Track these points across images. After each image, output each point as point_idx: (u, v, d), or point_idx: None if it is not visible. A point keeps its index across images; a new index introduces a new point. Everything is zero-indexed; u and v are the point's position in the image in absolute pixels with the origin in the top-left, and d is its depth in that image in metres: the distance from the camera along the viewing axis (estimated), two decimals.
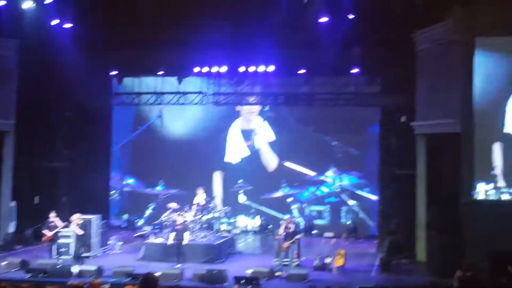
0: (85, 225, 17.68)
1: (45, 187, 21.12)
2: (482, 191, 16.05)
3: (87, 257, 17.28)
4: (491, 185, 16.00)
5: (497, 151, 16.03)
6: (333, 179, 23.52)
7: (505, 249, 14.83)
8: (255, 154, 23.89)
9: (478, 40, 16.01)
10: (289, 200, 23.76)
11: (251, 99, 22.45)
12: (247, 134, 24.02)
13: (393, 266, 16.95)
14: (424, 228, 17.64)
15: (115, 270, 15.37)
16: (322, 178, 23.56)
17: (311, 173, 23.62)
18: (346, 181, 23.44)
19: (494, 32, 15.78)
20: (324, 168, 23.53)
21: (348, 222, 23.01)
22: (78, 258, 16.50)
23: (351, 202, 23.42)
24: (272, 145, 23.78)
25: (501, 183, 15.94)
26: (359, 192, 23.35)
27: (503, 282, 13.63)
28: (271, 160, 23.83)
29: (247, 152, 23.91)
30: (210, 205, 19.23)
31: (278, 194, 23.86)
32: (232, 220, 23.19)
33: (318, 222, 23.54)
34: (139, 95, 22.27)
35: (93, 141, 22.26)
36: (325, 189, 23.74)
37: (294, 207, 23.72)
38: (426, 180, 17.82)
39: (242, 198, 23.77)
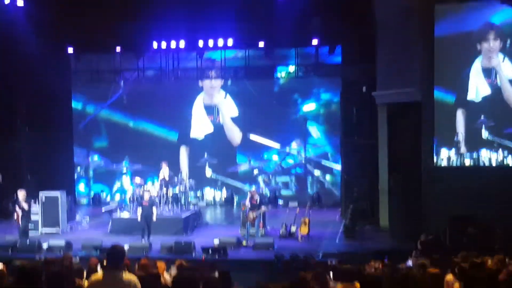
0: (51, 202, 17.76)
1: (9, 166, 20.91)
2: (445, 157, 16.45)
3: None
4: (453, 151, 16.38)
5: (460, 118, 16.39)
6: (298, 150, 23.76)
7: (466, 212, 15.27)
8: (219, 129, 23.95)
9: (438, 7, 16.21)
10: (255, 172, 23.96)
11: (211, 73, 22.41)
12: (210, 109, 24.03)
13: (357, 232, 17.33)
14: (386, 195, 17.99)
15: (83, 244, 15.47)
16: (287, 149, 23.78)
17: (276, 145, 23.82)
18: (311, 152, 23.70)
19: None
20: (289, 140, 23.75)
21: (313, 192, 23.34)
22: (25, 233, 16.30)
23: (317, 172, 23.72)
24: (235, 119, 23.84)
25: (463, 149, 16.32)
26: (324, 162, 23.65)
27: (464, 242, 14.11)
28: (235, 135, 23.90)
29: (210, 128, 23.95)
30: (176, 179, 19.31)
31: (244, 167, 24.04)
32: (198, 194, 23.44)
33: (284, 192, 23.83)
34: (99, 72, 22.03)
35: (54, 119, 22.05)
36: (290, 161, 23.98)
37: (260, 179, 23.93)
38: (387, 148, 18.09)
39: (208, 172, 23.90)
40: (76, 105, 24.28)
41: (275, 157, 23.89)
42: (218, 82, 23.70)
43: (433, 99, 16.35)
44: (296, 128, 23.62)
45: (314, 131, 23.56)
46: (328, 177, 23.63)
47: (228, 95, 23.81)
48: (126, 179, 24.09)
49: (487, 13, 16.00)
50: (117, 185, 24.45)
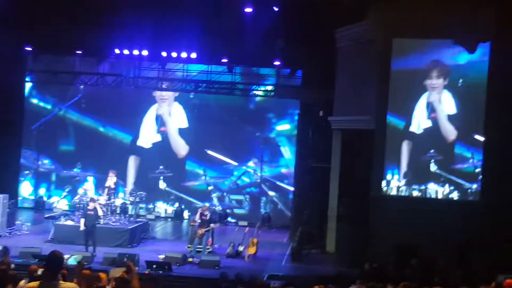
0: None
1: None
2: (395, 187, 16.68)
3: None
4: (403, 182, 16.64)
5: (404, 149, 16.71)
6: (254, 169, 23.75)
7: (410, 242, 15.47)
8: (167, 140, 23.72)
9: (396, 42, 16.58)
10: (209, 188, 23.79)
11: (165, 85, 22.33)
12: (158, 120, 23.81)
13: (303, 255, 17.35)
14: (335, 220, 18.11)
15: (21, 251, 15.01)
16: (243, 168, 23.74)
17: (233, 162, 23.76)
18: (266, 172, 23.70)
19: (410, 34, 16.33)
20: (246, 158, 23.72)
21: (264, 212, 23.31)
22: None
23: (271, 193, 23.72)
24: (187, 132, 23.57)
25: (410, 180, 16.60)
26: (278, 183, 23.68)
27: (406, 274, 14.24)
28: (179, 147, 23.66)
29: (158, 138, 23.72)
30: (125, 189, 19.04)
31: (199, 182, 23.84)
32: (150, 206, 23.09)
33: (237, 211, 23.69)
34: (56, 74, 21.61)
35: (4, 120, 21.47)
36: (246, 179, 23.94)
37: (214, 195, 23.77)
38: (339, 173, 18.27)
39: (162, 184, 23.61)
40: (31, 104, 23.69)
41: (231, 175, 23.71)
42: (170, 94, 23.51)
43: (385, 128, 16.63)
44: (254, 147, 23.59)
45: (286, 151, 23.53)
46: (281, 198, 23.63)
47: (181, 108, 23.58)
48: (75, 186, 23.56)
49: (440, 51, 16.46)
50: (65, 192, 23.83)
